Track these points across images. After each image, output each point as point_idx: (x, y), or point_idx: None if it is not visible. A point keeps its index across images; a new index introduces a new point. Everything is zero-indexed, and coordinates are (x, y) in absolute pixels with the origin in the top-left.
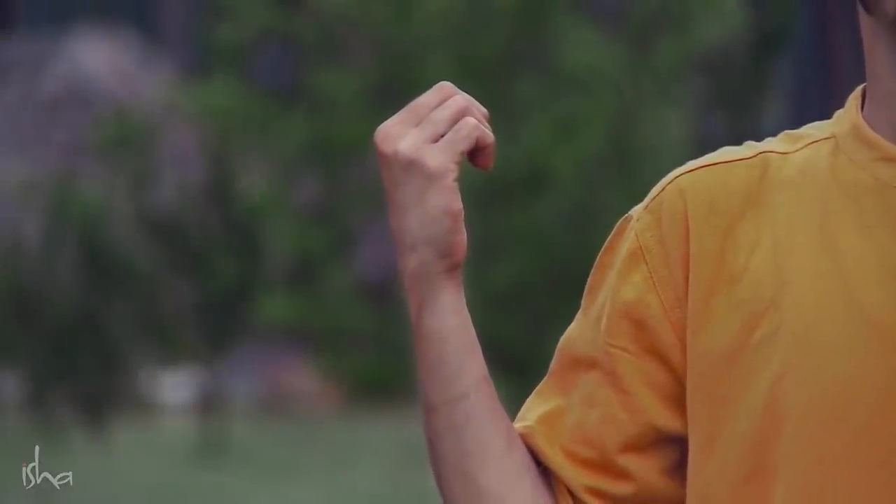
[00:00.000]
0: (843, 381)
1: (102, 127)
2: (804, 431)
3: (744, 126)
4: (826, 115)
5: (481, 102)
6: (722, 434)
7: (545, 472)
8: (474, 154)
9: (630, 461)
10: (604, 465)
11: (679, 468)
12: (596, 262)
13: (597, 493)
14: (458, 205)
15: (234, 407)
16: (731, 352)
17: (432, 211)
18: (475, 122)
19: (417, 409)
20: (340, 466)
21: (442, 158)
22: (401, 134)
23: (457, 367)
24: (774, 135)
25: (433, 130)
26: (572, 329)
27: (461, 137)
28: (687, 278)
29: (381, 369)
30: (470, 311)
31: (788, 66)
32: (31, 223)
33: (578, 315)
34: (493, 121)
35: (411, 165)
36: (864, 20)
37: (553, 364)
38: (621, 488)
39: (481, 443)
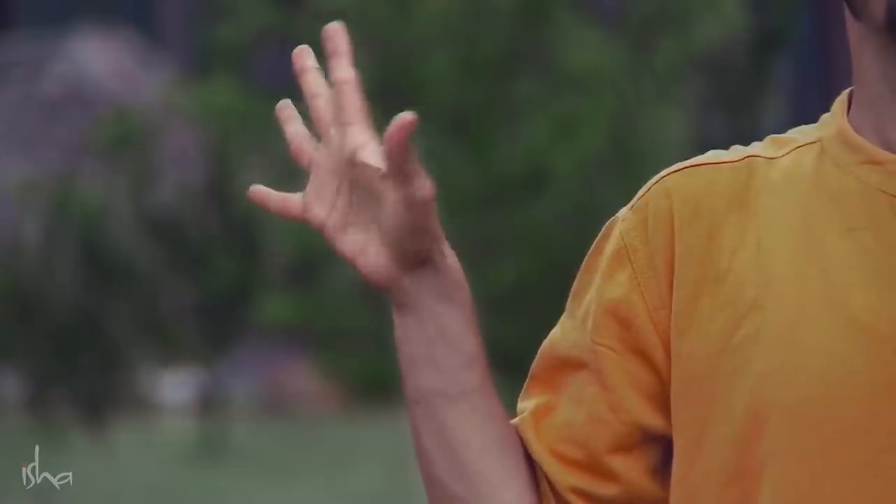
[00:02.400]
0: (827, 382)
1: (102, 127)
2: (788, 432)
3: (744, 126)
4: None
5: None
6: (707, 436)
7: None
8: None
9: (617, 462)
10: (591, 466)
11: (663, 468)
12: (582, 265)
13: (582, 493)
14: None
15: (233, 407)
16: (715, 353)
17: None
18: None
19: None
20: (340, 467)
21: None
22: None
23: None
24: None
25: None
26: (556, 332)
27: None
28: (672, 279)
29: (381, 369)
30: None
31: (788, 66)
32: (31, 223)
33: (562, 318)
34: (493, 121)
35: None
36: (852, 25)
37: (535, 368)
38: (607, 489)
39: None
